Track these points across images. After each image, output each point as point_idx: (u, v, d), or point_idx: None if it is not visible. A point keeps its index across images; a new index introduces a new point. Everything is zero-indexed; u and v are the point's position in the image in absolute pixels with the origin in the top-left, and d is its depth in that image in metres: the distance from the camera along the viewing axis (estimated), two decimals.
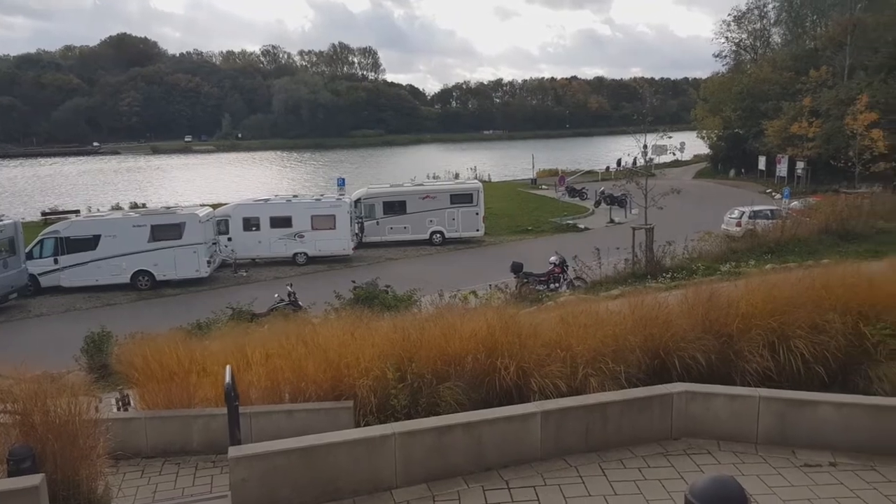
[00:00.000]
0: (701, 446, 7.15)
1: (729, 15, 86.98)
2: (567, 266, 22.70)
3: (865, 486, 6.29)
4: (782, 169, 51.82)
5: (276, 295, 21.83)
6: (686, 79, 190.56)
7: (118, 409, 9.15)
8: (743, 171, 61.78)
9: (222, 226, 32.13)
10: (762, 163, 56.46)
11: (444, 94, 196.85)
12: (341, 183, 47.60)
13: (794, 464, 6.76)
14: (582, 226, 39.96)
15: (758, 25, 72.81)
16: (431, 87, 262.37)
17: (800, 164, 50.56)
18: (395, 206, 36.45)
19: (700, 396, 7.38)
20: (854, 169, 46.54)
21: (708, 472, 6.39)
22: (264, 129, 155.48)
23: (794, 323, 8.38)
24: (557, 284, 22.51)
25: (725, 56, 73.16)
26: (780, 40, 72.61)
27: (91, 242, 28.56)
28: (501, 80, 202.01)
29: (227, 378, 6.58)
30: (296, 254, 32.47)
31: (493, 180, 67.56)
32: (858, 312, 8.56)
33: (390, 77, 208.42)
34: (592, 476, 6.60)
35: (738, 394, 7.44)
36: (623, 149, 36.71)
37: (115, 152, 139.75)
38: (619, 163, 36.67)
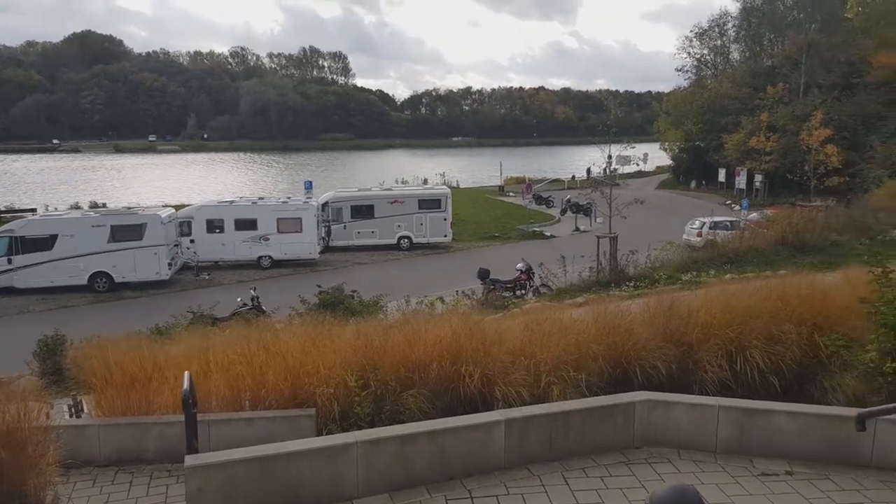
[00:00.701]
0: (662, 455, 7.17)
1: (691, 31, 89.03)
2: (533, 273, 22.79)
3: (820, 494, 6.37)
4: (741, 181, 52.91)
5: (238, 299, 21.41)
6: (650, 92, 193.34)
7: (70, 415, 8.84)
8: (704, 182, 62.93)
9: (185, 227, 31.51)
10: (722, 175, 57.59)
11: (414, 101, 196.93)
12: (309, 186, 47.23)
13: (751, 472, 6.82)
14: (548, 233, 40.23)
15: (718, 42, 74.51)
16: (401, 93, 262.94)
17: (758, 177, 51.71)
18: (363, 211, 36.22)
19: (661, 405, 7.40)
20: (809, 183, 47.81)
21: (668, 480, 6.39)
22: (231, 131, 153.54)
23: (751, 333, 8.49)
24: (524, 291, 22.58)
25: (687, 71, 74.70)
26: (739, 57, 74.35)
27: (47, 242, 27.69)
28: (471, 88, 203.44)
29: (186, 384, 6.40)
30: (260, 257, 31.99)
31: (461, 186, 67.66)
32: (813, 324, 8.70)
33: (360, 82, 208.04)
34: (555, 485, 6.56)
35: (698, 402, 7.49)
36: (589, 159, 37.14)
37: (76, 150, 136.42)
38: (588, 172, 37.06)
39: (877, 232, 25.28)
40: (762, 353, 8.31)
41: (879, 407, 5.60)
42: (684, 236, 31.13)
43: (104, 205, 47.88)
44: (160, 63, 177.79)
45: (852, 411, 6.03)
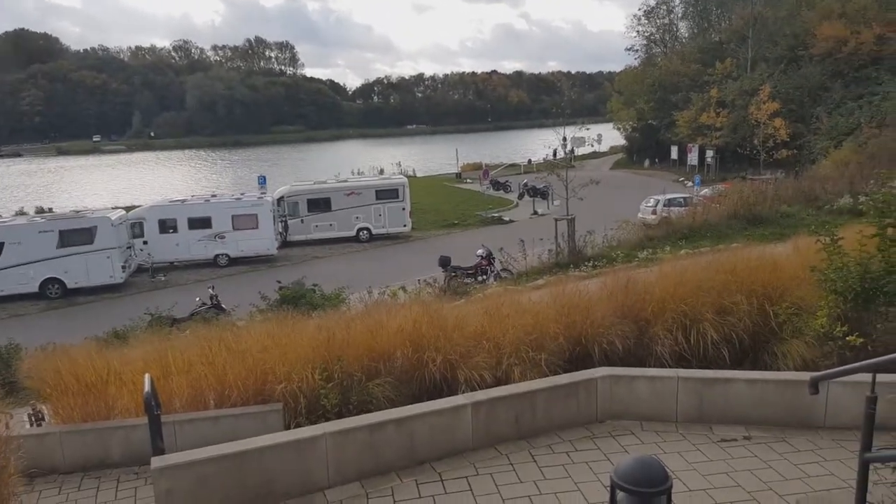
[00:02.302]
0: (625, 427, 7.40)
1: (639, 10, 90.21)
2: (493, 258, 23.02)
3: (777, 457, 6.66)
4: (693, 158, 54.00)
5: (197, 299, 21.24)
6: (601, 72, 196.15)
7: (31, 424, 8.70)
8: (657, 160, 64.04)
9: (137, 228, 30.97)
10: (674, 152, 58.69)
11: (366, 89, 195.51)
12: (262, 181, 46.71)
13: (711, 439, 7.08)
14: (507, 218, 40.56)
15: (666, 20, 75.62)
16: (352, 81, 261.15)
17: (709, 153, 52.82)
18: (319, 204, 36.00)
19: (623, 380, 7.62)
20: (759, 156, 49.02)
21: (632, 452, 6.61)
22: (178, 127, 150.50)
23: (704, 306, 8.74)
24: (485, 277, 22.80)
25: (637, 50, 75.74)
26: (687, 34, 75.59)
27: None
28: (423, 74, 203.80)
29: (147, 387, 6.38)
30: (217, 255, 31.64)
31: (418, 175, 67.62)
32: (763, 294, 8.98)
33: (309, 72, 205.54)
34: (523, 463, 6.74)
35: (657, 375, 7.72)
36: (544, 141, 37.44)
37: (17, 154, 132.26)
38: (555, 154, 37.21)
39: (824, 202, 26.11)
40: (715, 325, 8.58)
41: (831, 370, 5.86)
42: (639, 214, 31.69)
43: (50, 209, 46.70)
44: (100, 60, 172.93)
45: (806, 376, 6.30)
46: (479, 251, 23.45)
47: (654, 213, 31.27)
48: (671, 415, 7.50)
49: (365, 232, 36.05)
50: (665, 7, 74.28)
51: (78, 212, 33.79)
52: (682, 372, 7.73)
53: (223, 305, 20.53)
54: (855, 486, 4.88)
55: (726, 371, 7.99)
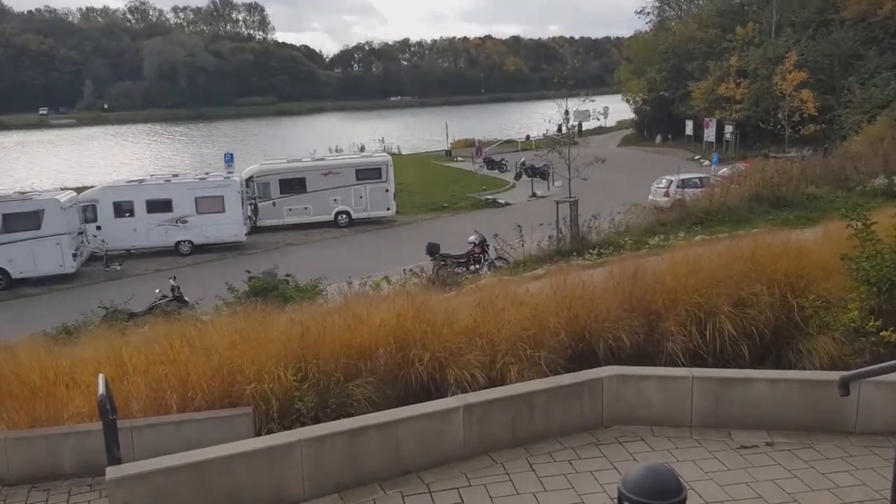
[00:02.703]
0: (634, 433, 7.43)
1: None
2: (487, 245, 23.04)
3: (803, 465, 6.70)
4: (710, 133, 53.96)
5: (157, 290, 21.23)
6: (608, 38, 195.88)
7: None
8: (670, 136, 64.04)
9: (89, 212, 30.78)
10: (689, 127, 58.63)
11: (345, 56, 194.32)
12: (229, 159, 46.44)
13: (729, 446, 7.13)
14: (502, 201, 40.57)
15: None
16: (330, 48, 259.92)
17: (728, 128, 52.77)
18: (293, 184, 35.88)
19: (631, 380, 7.66)
20: (784, 132, 49.08)
21: (642, 460, 6.66)
22: (135, 99, 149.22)
23: (720, 297, 8.78)
24: (478, 266, 22.84)
25: (649, 13, 75.31)
26: None
27: None
28: (409, 40, 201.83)
29: (101, 388, 6.34)
30: (179, 242, 31.54)
31: (403, 153, 67.44)
32: (787, 284, 9.03)
33: (281, 37, 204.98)
34: (520, 472, 6.76)
35: (670, 375, 7.76)
36: (544, 115, 37.36)
37: None
38: (560, 129, 36.99)
39: (856, 182, 26.23)
40: (733, 319, 8.62)
41: (863, 369, 5.88)
42: (650, 197, 31.77)
43: None
44: (46, 23, 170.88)
45: (835, 375, 6.31)
46: (472, 237, 23.46)
47: (666, 194, 31.34)
48: (685, 418, 7.54)
49: (344, 216, 35.99)
50: None
51: (23, 193, 33.49)
52: (697, 371, 7.77)
53: (186, 298, 20.53)
54: (889, 498, 4.90)
55: (746, 370, 8.04)
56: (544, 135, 50.03)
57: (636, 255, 14.75)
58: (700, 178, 33.06)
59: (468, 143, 65.38)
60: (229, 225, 31.81)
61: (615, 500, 3.80)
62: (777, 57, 50.79)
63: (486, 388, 7.76)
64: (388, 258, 25.76)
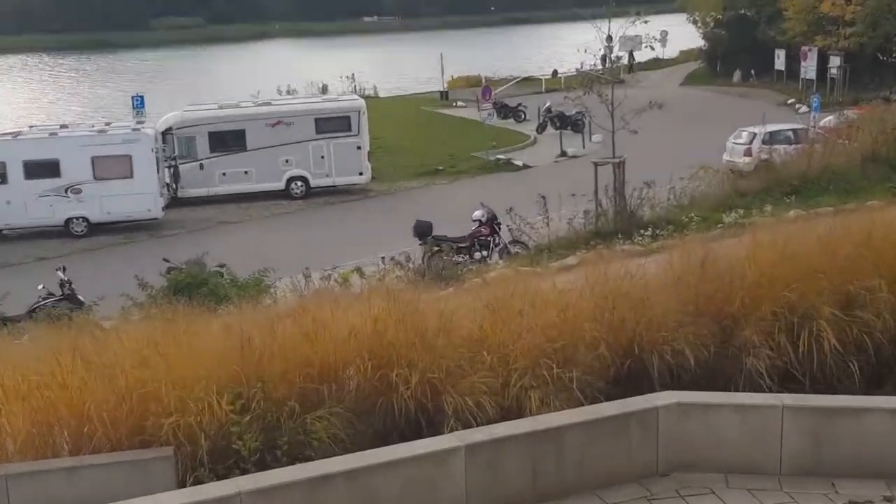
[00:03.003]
0: (701, 483, 7.48)
1: None
2: (499, 224, 23.04)
3: None
4: (809, 68, 53.80)
5: (40, 286, 21.22)
6: None
7: None
8: (753, 73, 63.86)
9: None
10: (781, 60, 58.46)
11: None
12: (139, 103, 46.32)
13: (834, 501, 7.17)
14: (519, 162, 40.57)
15: None
16: None
17: (834, 61, 52.59)
18: (227, 139, 35.77)
19: (697, 410, 7.70)
20: None
21: None
22: (8, 19, 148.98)
23: (821, 295, 8.80)
24: (485, 252, 22.86)
25: None
26: None
27: None
28: None
29: None
30: (70, 219, 31.54)
31: (381, 95, 67.29)
32: None
33: None
34: None
35: (751, 403, 7.81)
36: (577, 41, 37.16)
37: None
38: (602, 61, 36.64)
39: None
40: (838, 325, 8.64)
41: None
42: (726, 157, 31.86)
43: None
44: None
45: None
46: (477, 213, 23.46)
47: (747, 153, 31.36)
48: (773, 464, 7.59)
49: (299, 183, 35.93)
50: None
51: None
52: (789, 398, 7.81)
53: (80, 297, 20.52)
54: None
55: (857, 397, 8.07)
56: (578, 70, 49.86)
57: (705, 238, 14.77)
58: (795, 131, 33.04)
59: (472, 83, 65.20)
60: (139, 196, 31.70)
61: None
62: None
63: (496, 421, 7.79)
64: (360, 242, 25.75)
